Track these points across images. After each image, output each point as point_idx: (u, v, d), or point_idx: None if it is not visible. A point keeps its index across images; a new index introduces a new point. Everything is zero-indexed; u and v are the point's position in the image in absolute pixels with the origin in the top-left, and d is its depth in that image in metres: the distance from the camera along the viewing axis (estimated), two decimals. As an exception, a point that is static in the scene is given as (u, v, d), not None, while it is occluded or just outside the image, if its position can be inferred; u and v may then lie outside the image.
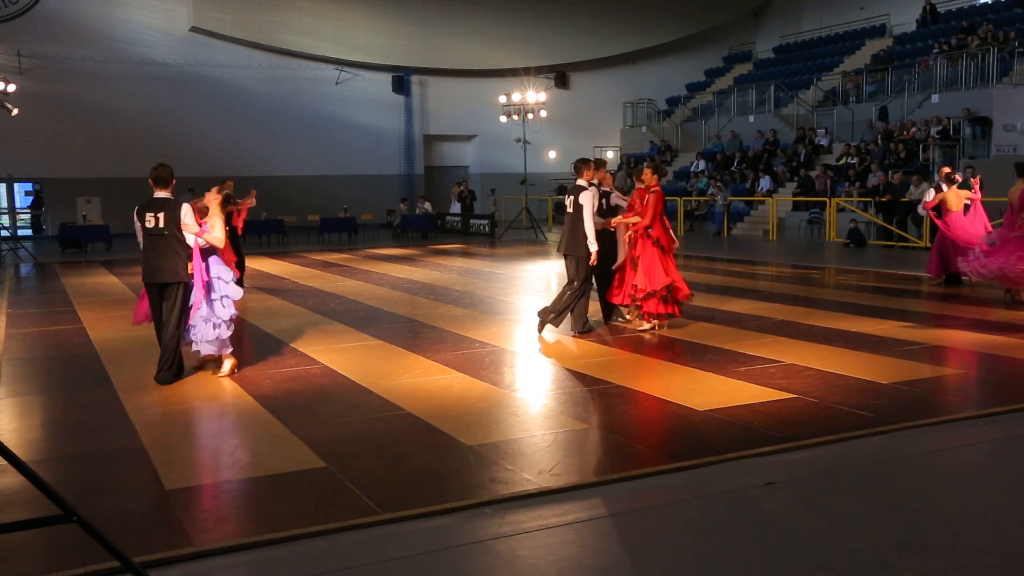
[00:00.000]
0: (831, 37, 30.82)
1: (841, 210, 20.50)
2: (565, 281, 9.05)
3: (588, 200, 8.61)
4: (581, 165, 8.88)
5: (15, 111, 20.58)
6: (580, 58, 32.52)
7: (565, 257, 9.00)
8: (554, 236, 13.77)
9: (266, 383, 6.91)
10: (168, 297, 6.94)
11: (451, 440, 5.37)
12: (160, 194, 6.97)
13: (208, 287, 7.00)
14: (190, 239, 6.92)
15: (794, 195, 22.64)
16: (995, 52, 21.16)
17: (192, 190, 24.72)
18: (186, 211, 6.90)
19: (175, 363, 7.00)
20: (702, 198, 24.78)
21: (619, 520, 4.18)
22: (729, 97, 29.40)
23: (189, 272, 6.91)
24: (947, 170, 12.42)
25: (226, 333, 7.14)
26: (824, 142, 24.31)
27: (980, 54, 21.58)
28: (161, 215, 6.89)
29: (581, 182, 8.78)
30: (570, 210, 8.82)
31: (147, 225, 6.94)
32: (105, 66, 25.67)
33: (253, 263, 16.24)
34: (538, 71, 30.41)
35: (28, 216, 27.03)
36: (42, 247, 22.49)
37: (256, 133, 27.68)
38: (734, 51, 34.88)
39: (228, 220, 8.71)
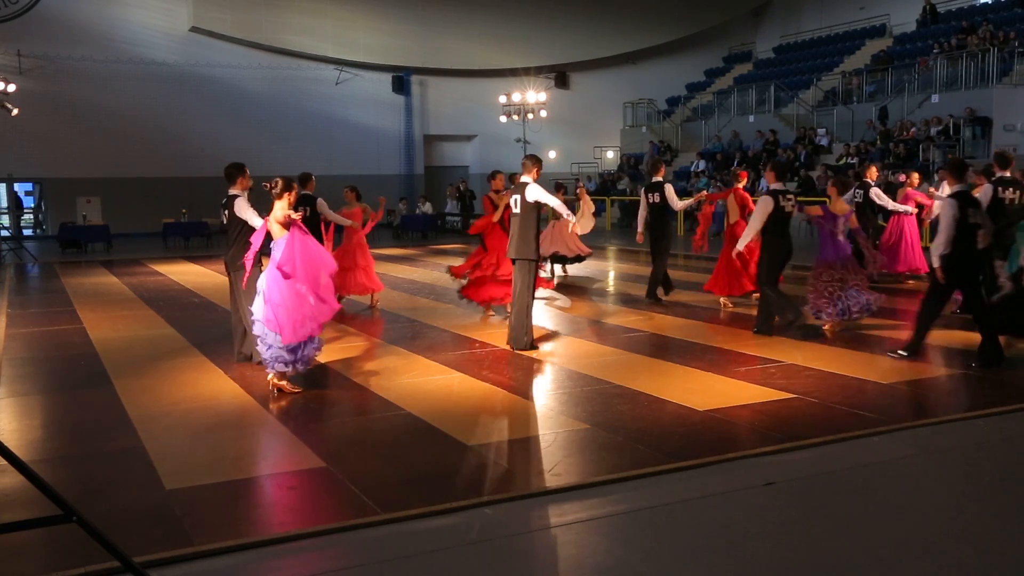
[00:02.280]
0: (831, 37, 30.81)
1: (841, 210, 20.47)
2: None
3: (537, 193, 8.07)
4: (529, 163, 8.22)
5: (15, 111, 20.57)
6: (580, 58, 32.49)
7: (513, 262, 8.35)
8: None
9: (266, 383, 6.90)
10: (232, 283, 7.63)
11: (451, 440, 5.37)
12: (230, 191, 7.49)
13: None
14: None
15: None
16: (995, 52, 21.15)
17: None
18: (239, 204, 7.33)
19: (244, 343, 7.62)
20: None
21: (619, 520, 4.18)
22: (729, 97, 29.39)
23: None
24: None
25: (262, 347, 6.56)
26: (824, 142, 24.31)
27: (980, 54, 21.58)
28: (226, 211, 7.50)
29: (526, 178, 8.15)
30: (516, 210, 8.15)
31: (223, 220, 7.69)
32: (105, 66, 25.65)
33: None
34: (538, 71, 30.40)
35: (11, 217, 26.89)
36: (29, 247, 22.48)
37: (256, 133, 27.66)
38: (734, 51, 34.86)
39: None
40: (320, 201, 10.12)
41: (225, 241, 7.76)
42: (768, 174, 8.74)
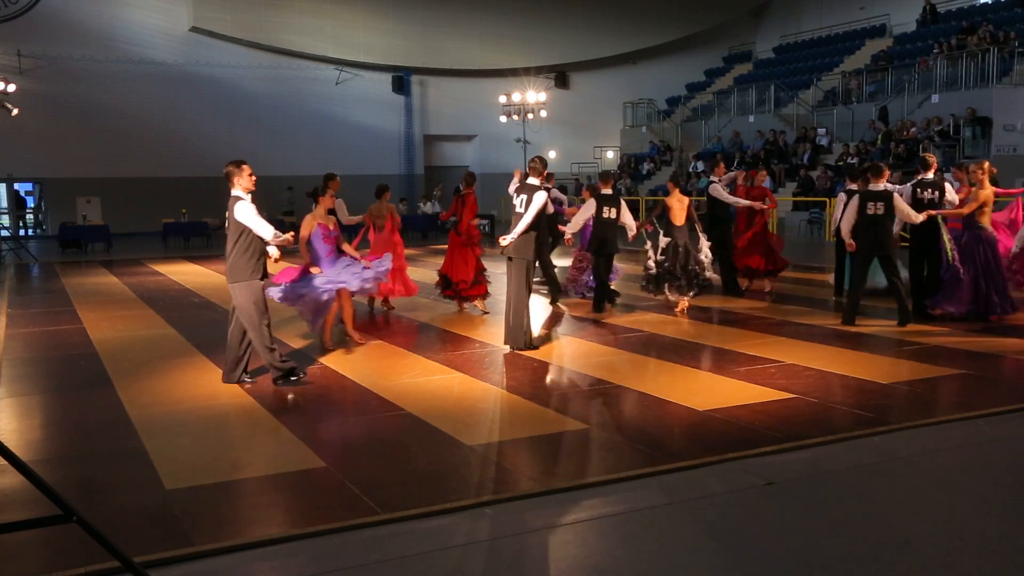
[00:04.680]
0: (831, 37, 30.82)
1: (841, 210, 20.48)
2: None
3: (542, 201, 8.11)
4: (540, 166, 8.32)
5: (15, 111, 20.57)
6: (580, 58, 32.52)
7: (509, 260, 8.31)
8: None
9: (266, 383, 6.91)
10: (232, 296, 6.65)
11: (451, 440, 5.37)
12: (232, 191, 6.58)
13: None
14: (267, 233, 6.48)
15: (794, 195, 22.64)
16: (995, 52, 21.16)
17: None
18: (239, 208, 6.44)
19: (242, 364, 6.83)
20: (701, 198, 24.75)
21: (619, 520, 4.18)
22: (729, 97, 29.40)
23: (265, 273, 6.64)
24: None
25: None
26: (824, 142, 24.31)
27: (980, 54, 21.58)
28: (228, 213, 6.58)
29: (534, 181, 8.21)
30: (520, 210, 8.16)
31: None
32: (105, 66, 25.66)
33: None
34: (538, 71, 30.41)
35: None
36: (30, 247, 22.47)
37: (256, 133, 27.67)
38: (734, 51, 34.88)
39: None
40: (335, 201, 10.19)
41: (226, 246, 6.70)
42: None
